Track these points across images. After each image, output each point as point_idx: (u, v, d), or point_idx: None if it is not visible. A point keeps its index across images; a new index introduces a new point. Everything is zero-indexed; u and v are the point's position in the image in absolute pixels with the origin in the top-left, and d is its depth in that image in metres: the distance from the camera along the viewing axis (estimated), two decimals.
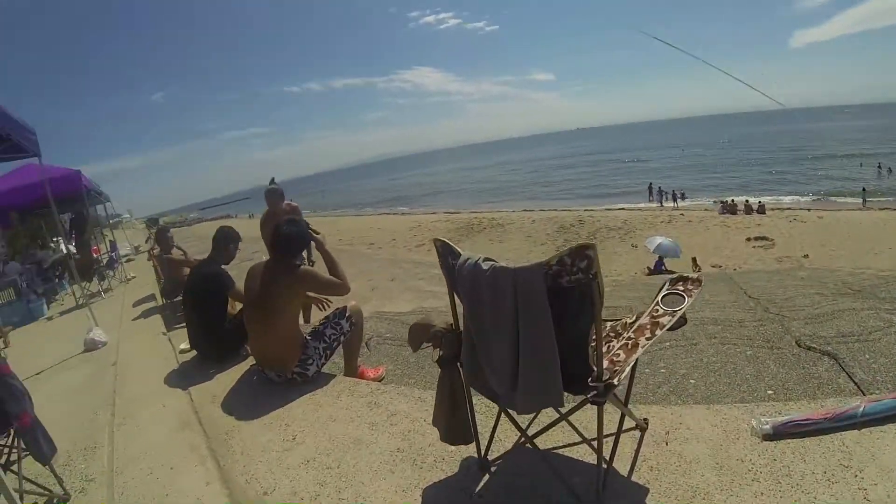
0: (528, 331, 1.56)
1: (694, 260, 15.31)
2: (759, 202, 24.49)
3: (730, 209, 24.07)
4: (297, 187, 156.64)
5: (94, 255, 10.13)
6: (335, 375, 3.30)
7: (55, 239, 12.27)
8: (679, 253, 15.13)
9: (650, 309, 1.98)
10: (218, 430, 2.86)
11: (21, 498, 2.23)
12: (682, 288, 1.99)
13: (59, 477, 2.56)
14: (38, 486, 2.49)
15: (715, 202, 27.74)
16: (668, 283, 2.02)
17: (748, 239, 17.80)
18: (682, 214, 23.92)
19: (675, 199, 31.59)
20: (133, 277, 10.21)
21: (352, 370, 3.42)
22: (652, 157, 64.54)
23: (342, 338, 3.29)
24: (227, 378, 3.59)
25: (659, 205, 31.65)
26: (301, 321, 3.84)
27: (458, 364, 1.91)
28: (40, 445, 2.40)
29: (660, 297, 1.98)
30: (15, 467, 2.34)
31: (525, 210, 30.31)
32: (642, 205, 30.80)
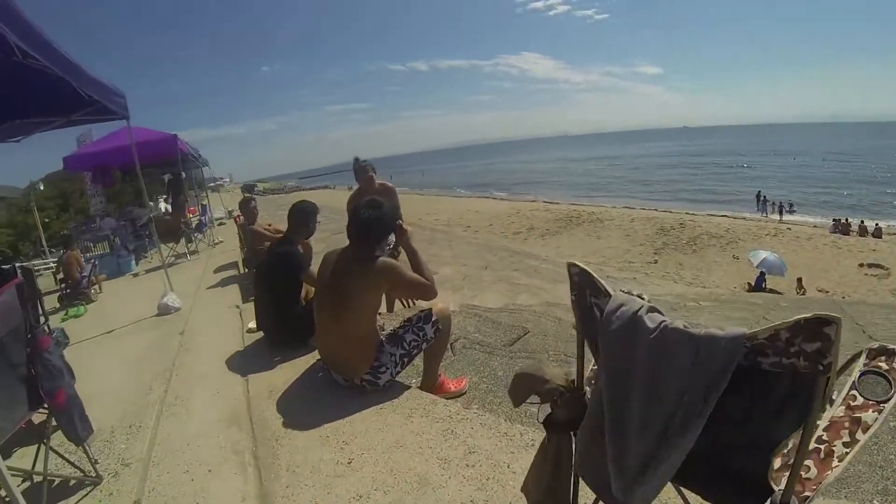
0: (690, 419, 0.99)
1: (799, 281, 14.08)
2: (877, 225, 21.61)
3: (842, 229, 21.55)
4: (397, 164, 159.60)
5: (189, 216, 10.34)
6: (409, 387, 2.81)
7: (157, 198, 12.92)
8: (784, 271, 13.99)
9: (844, 394, 1.29)
10: (267, 434, 2.48)
11: (47, 479, 2.05)
12: (886, 367, 1.28)
13: (94, 458, 2.35)
14: (71, 464, 2.30)
15: (827, 220, 24.94)
16: (863, 357, 1.32)
17: (861, 265, 16.04)
18: (788, 229, 21.82)
19: (781, 212, 28.79)
20: (220, 242, 10.36)
21: (430, 381, 2.93)
22: (759, 162, 59.62)
23: (424, 345, 2.78)
24: (290, 370, 3.22)
25: (763, 215, 29.04)
26: (384, 312, 3.38)
27: (572, 433, 1.35)
28: (75, 426, 2.17)
29: (855, 379, 1.28)
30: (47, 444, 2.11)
31: (625, 207, 28.90)
32: (747, 214, 28.33)
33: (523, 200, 34.23)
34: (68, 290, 6.61)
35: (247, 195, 7.69)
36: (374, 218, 2.66)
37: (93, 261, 7.52)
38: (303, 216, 3.72)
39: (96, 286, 6.95)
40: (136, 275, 8.25)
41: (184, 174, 11.49)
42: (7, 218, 23.15)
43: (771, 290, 13.31)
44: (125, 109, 4.61)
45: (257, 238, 6.06)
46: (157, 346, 4.18)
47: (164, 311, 5.12)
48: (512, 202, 33.01)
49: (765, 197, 31.25)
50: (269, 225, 6.56)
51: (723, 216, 26.49)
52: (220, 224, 14.00)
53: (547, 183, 52.30)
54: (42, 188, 22.80)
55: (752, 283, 13.97)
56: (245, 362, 3.46)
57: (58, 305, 6.40)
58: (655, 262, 16.02)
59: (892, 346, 1.31)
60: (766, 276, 13.91)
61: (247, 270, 6.30)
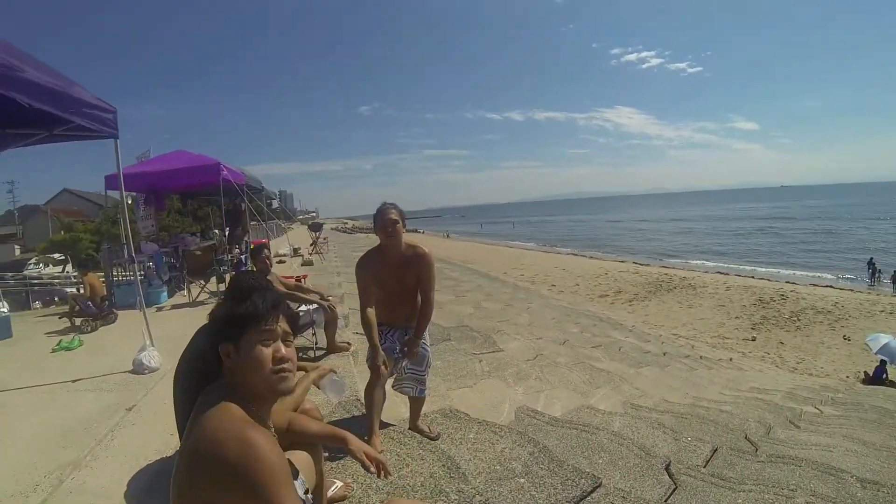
0: None
1: None
2: None
3: None
4: (490, 213, 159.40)
5: (233, 250, 9.75)
6: None
7: (214, 230, 12.49)
8: None
9: None
10: None
11: None
12: None
13: None
14: None
15: None
16: None
17: None
18: None
19: (895, 283, 25.03)
20: None
21: None
22: (864, 226, 53.95)
23: None
24: None
25: (872, 285, 25.42)
26: None
27: None
28: None
29: None
30: None
31: (719, 272, 26.43)
32: (854, 286, 24.90)
33: (613, 260, 32.46)
34: (79, 309, 6.55)
35: (257, 246, 6.76)
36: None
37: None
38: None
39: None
40: (161, 308, 7.66)
41: (240, 205, 11.04)
42: (94, 226, 24.49)
43: (892, 383, 10.96)
44: (113, 127, 4.09)
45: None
46: (92, 421, 3.29)
47: (137, 368, 4.29)
48: (601, 261, 31.30)
49: (875, 266, 27.52)
50: (297, 278, 5.69)
51: (828, 287, 23.39)
52: (280, 262, 13.40)
53: (638, 242, 49.93)
54: (130, 201, 23.91)
55: (870, 374, 11.59)
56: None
57: (69, 325, 6.36)
58: (753, 339, 13.86)
59: None
60: (888, 366, 11.51)
61: None
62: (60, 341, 5.45)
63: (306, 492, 1.62)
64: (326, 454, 2.22)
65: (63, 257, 22.61)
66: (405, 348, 3.11)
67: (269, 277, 5.13)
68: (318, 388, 2.51)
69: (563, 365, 5.83)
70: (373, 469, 1.67)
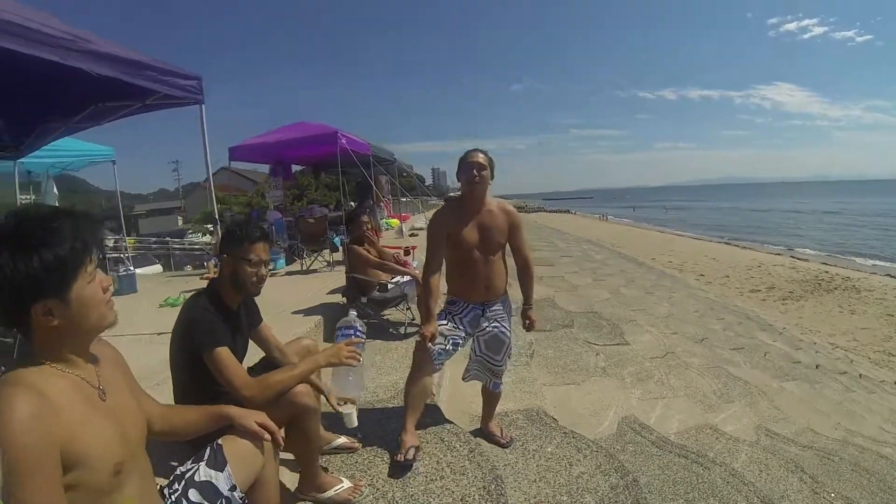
0: None
1: None
2: None
3: None
4: (642, 197, 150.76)
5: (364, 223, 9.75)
6: None
7: (351, 203, 12.72)
8: None
9: None
10: None
11: None
12: None
13: None
14: None
15: None
16: None
17: None
18: None
19: None
20: None
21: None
22: None
23: None
24: None
25: None
26: None
27: None
28: None
29: None
30: None
31: (890, 275, 21.83)
32: None
33: (768, 252, 28.66)
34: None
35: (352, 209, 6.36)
36: None
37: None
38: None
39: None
40: (274, 274, 7.80)
41: (366, 178, 11.07)
42: (246, 199, 27.08)
43: None
44: (198, 93, 4.27)
45: (359, 262, 4.85)
46: (150, 371, 3.13)
47: None
48: (755, 252, 27.78)
49: None
50: (406, 249, 5.39)
51: None
52: (412, 235, 13.16)
53: (796, 234, 43.52)
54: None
55: None
56: None
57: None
58: None
59: None
60: None
61: (345, 302, 5.08)
62: (168, 297, 5.67)
63: (233, 488, 1.40)
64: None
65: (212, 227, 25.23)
66: (524, 321, 2.76)
67: (358, 248, 4.88)
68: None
69: (695, 367, 4.85)
70: (266, 436, 1.49)
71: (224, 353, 1.83)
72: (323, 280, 6.80)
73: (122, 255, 9.24)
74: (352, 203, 11.56)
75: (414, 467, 2.23)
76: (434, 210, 4.19)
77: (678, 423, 3.46)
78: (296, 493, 2.05)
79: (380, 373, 3.63)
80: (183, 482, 1.39)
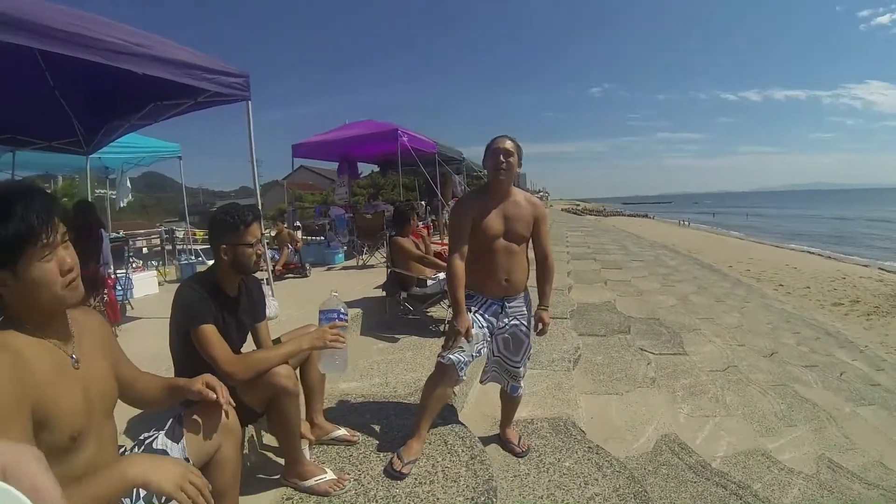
0: None
1: None
2: None
3: None
4: (723, 202, 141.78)
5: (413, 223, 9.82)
6: None
7: (421, 202, 12.78)
8: None
9: None
10: None
11: None
12: None
13: None
14: None
15: None
16: None
17: None
18: None
19: None
20: None
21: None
22: None
23: None
24: None
25: None
26: None
27: None
28: None
29: None
30: None
31: None
32: None
33: (854, 263, 26.16)
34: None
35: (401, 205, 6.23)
36: None
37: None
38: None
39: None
40: (331, 268, 7.97)
41: (429, 176, 11.08)
42: (321, 197, 28.25)
43: None
44: (245, 90, 4.40)
45: (399, 255, 4.78)
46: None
47: None
48: (839, 263, 25.45)
49: None
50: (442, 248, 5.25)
51: None
52: None
53: (887, 245, 39.30)
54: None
55: None
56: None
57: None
58: None
59: None
60: None
61: (384, 294, 4.99)
62: None
63: (185, 461, 1.39)
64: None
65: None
66: (538, 324, 2.48)
67: (401, 239, 4.82)
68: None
69: (757, 384, 4.38)
70: (213, 395, 1.45)
71: (209, 329, 1.83)
72: (375, 275, 6.78)
73: (188, 247, 9.87)
74: (422, 202, 11.63)
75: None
76: None
77: (726, 447, 3.08)
78: (279, 479, 2.05)
79: (406, 369, 3.51)
80: (142, 448, 1.45)
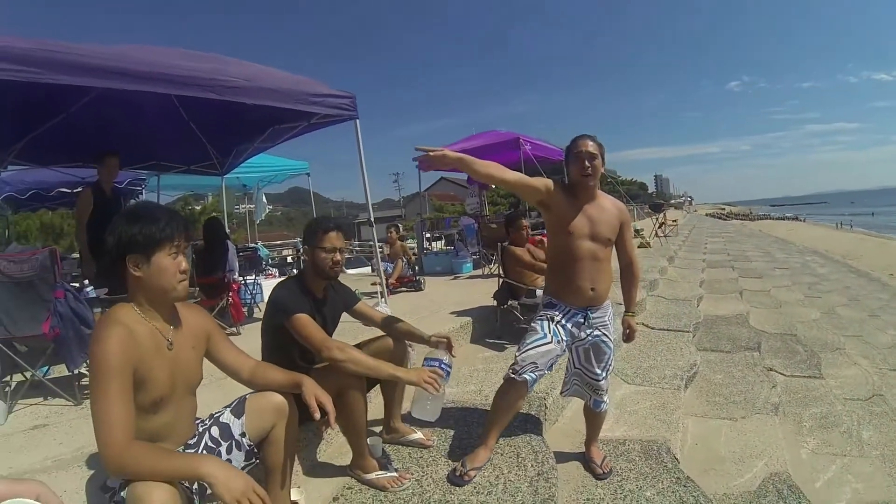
0: None
1: None
2: None
3: None
4: (885, 199, 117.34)
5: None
6: None
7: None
8: None
9: None
10: None
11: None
12: None
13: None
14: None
15: None
16: None
17: None
18: None
19: None
20: None
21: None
22: None
23: None
24: None
25: None
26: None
27: None
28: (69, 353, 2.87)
29: None
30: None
31: None
32: None
33: None
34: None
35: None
36: None
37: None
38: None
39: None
40: (457, 277, 8.16)
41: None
42: (462, 207, 28.83)
43: None
44: (352, 110, 4.75)
45: (511, 263, 4.83)
46: None
47: None
48: None
49: None
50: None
51: None
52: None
53: None
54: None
55: None
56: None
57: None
58: None
59: None
60: None
61: (495, 304, 4.99)
62: (356, 290, 6.18)
63: (242, 434, 1.70)
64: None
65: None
66: (625, 330, 2.53)
67: (511, 248, 4.84)
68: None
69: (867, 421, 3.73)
70: (317, 416, 1.67)
71: (304, 317, 2.11)
72: (496, 285, 6.88)
73: None
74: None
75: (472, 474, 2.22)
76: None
77: (850, 495, 2.68)
78: (346, 469, 2.29)
79: (501, 375, 3.58)
80: (212, 420, 1.74)
